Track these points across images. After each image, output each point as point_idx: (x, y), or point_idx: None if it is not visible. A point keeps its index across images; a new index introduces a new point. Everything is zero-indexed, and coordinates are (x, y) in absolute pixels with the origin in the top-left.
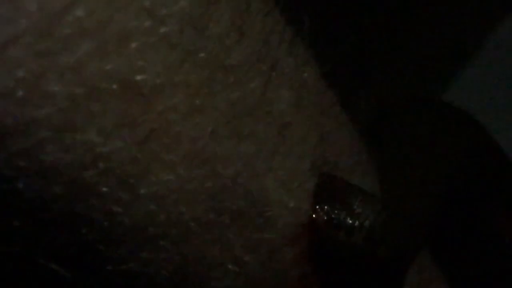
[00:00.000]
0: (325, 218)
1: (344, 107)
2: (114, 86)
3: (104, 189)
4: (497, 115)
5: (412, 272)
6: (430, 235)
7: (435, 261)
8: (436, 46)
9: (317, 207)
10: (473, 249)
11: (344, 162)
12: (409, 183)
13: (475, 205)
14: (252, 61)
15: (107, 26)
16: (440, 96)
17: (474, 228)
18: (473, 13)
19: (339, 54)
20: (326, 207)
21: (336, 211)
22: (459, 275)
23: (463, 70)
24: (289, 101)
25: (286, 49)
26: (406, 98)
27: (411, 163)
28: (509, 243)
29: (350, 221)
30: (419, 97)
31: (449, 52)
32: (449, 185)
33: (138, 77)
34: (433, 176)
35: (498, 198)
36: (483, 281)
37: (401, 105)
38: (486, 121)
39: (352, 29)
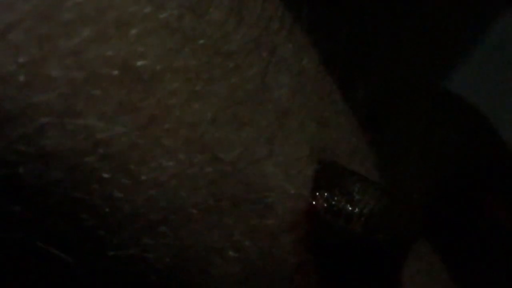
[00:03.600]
0: (325, 204)
1: (343, 94)
2: (115, 72)
3: (105, 174)
4: (497, 104)
5: (411, 259)
6: (428, 223)
7: (434, 249)
8: (437, 35)
9: (317, 193)
10: (472, 237)
11: (343, 148)
12: (407, 170)
13: (474, 193)
14: (251, 47)
15: (106, 12)
16: (440, 85)
17: (473, 217)
18: (475, 2)
19: (338, 41)
20: (325, 193)
21: (335, 198)
22: (458, 262)
23: (464, 59)
24: (288, 87)
25: (285, 35)
26: (405, 87)
27: (409, 151)
28: (507, 232)
29: (350, 208)
30: (419, 85)
31: (450, 41)
32: (448, 173)
33: (138, 63)
34: (431, 164)
35: (497, 187)
36: (481, 268)
37: (400, 93)
38: (486, 110)
39: (352, 17)
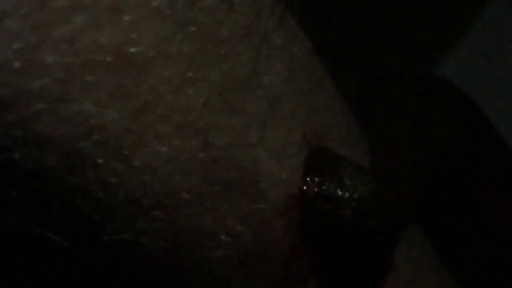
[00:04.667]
0: (315, 190)
1: (334, 81)
2: (108, 58)
3: (99, 160)
4: (488, 92)
5: (402, 245)
6: (419, 209)
7: (425, 235)
8: (428, 23)
9: (307, 178)
10: (463, 223)
11: (334, 135)
12: (398, 156)
13: (464, 179)
14: (243, 34)
15: None
16: (432, 72)
17: (463, 202)
18: None
19: (329, 29)
20: (316, 178)
21: (326, 183)
22: (449, 249)
23: (455, 47)
24: (279, 74)
25: (276, 22)
26: (396, 73)
27: (401, 137)
28: (498, 217)
29: (340, 193)
30: (410, 72)
31: (441, 29)
32: (438, 158)
33: (131, 49)
34: (422, 150)
35: (487, 172)
36: (472, 254)
37: (391, 79)
38: (477, 97)
39: (343, 4)
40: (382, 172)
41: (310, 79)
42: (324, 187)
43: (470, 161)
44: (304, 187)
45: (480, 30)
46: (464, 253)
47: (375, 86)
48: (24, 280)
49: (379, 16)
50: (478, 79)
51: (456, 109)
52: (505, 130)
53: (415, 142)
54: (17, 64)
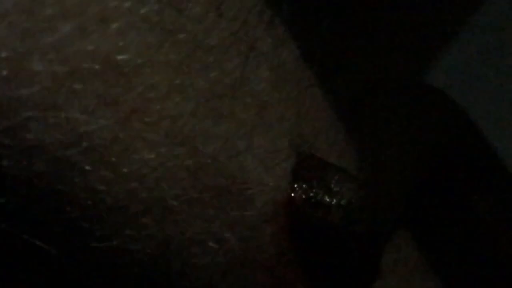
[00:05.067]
0: (303, 196)
1: (322, 88)
2: (96, 66)
3: (87, 167)
4: (478, 97)
5: (389, 251)
6: (406, 214)
7: (412, 240)
8: (419, 27)
9: (295, 185)
10: (450, 228)
11: (321, 141)
12: (386, 163)
13: (452, 184)
14: (231, 41)
15: (88, 7)
16: (420, 78)
17: (451, 207)
18: None
19: (317, 35)
20: (304, 185)
21: (314, 190)
22: (436, 253)
23: (445, 52)
24: (267, 81)
25: (264, 29)
26: (384, 80)
27: (388, 143)
28: (485, 221)
29: (328, 200)
30: (398, 79)
31: (431, 33)
32: (426, 165)
33: (119, 57)
34: (409, 156)
35: (475, 177)
36: (460, 259)
37: (379, 86)
38: (467, 103)
39: (331, 10)
40: (370, 178)
41: (298, 86)
42: (312, 194)
43: (458, 166)
44: (292, 194)
45: (471, 36)
46: (452, 258)
47: (364, 92)
48: (10, 286)
49: (369, 23)
50: (469, 84)
51: (445, 115)
52: (493, 135)
53: (404, 147)
54: (4, 72)
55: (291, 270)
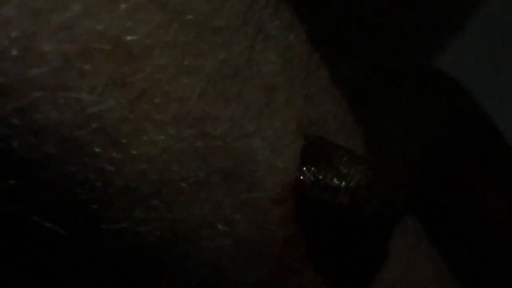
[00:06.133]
0: (312, 179)
1: (329, 71)
2: (105, 46)
3: (97, 149)
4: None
5: (397, 234)
6: (414, 199)
7: (420, 225)
8: (426, 16)
9: (304, 168)
10: (456, 212)
11: (329, 124)
12: (393, 146)
13: (458, 169)
14: (239, 23)
15: None
16: (427, 64)
17: (456, 192)
18: None
19: (325, 18)
20: (312, 168)
21: (322, 172)
22: (444, 238)
23: (452, 40)
24: (274, 63)
25: (271, 12)
26: (392, 64)
27: (395, 127)
28: (490, 205)
29: (336, 182)
30: (405, 64)
31: (438, 22)
32: (432, 149)
33: (128, 38)
34: (417, 140)
35: (480, 162)
36: (467, 243)
37: (386, 70)
38: (474, 90)
39: None
40: (378, 160)
41: (305, 69)
42: (320, 176)
43: (464, 151)
44: (301, 177)
45: (481, 22)
46: (457, 241)
47: (371, 76)
48: (21, 269)
49: (377, 7)
50: (476, 70)
51: (451, 100)
52: (502, 122)
53: (410, 132)
54: (14, 52)
55: (298, 253)
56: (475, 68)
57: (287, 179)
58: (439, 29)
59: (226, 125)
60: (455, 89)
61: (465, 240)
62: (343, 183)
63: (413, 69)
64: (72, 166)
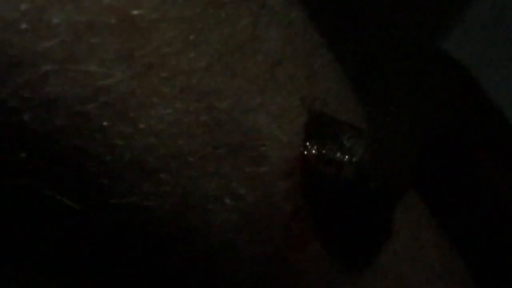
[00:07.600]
0: (316, 153)
1: (332, 47)
2: (112, 20)
3: (105, 122)
4: (491, 67)
5: (400, 211)
6: (417, 174)
7: (423, 200)
8: None
9: (308, 143)
10: (458, 187)
11: (332, 99)
12: (396, 122)
13: (461, 147)
14: None
15: None
16: (432, 44)
17: (460, 170)
18: None
19: None
20: (316, 143)
21: (326, 147)
22: (447, 214)
23: (458, 19)
24: (277, 39)
25: None
26: (396, 43)
27: (399, 103)
28: (491, 180)
29: (340, 156)
30: (408, 41)
31: (445, 2)
32: (435, 126)
33: (135, 12)
34: (419, 116)
35: (481, 138)
36: (469, 220)
37: (389, 47)
38: (480, 72)
39: None
40: (381, 135)
41: (308, 45)
42: (324, 151)
43: (465, 127)
44: (305, 152)
45: (487, 5)
46: (460, 217)
47: (375, 53)
48: (33, 242)
49: None
50: (480, 51)
51: (453, 77)
52: (502, 101)
53: (413, 109)
54: (24, 25)
55: (304, 227)
56: (479, 51)
57: (292, 154)
58: (445, 9)
59: (232, 100)
60: (459, 69)
61: (467, 216)
62: (347, 157)
63: (416, 46)
64: (82, 140)
